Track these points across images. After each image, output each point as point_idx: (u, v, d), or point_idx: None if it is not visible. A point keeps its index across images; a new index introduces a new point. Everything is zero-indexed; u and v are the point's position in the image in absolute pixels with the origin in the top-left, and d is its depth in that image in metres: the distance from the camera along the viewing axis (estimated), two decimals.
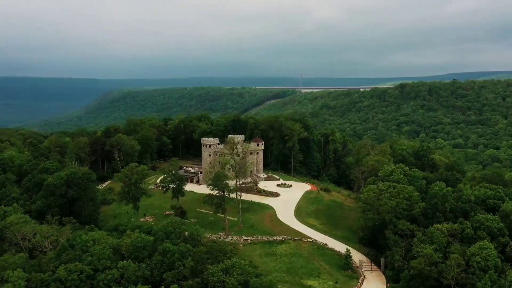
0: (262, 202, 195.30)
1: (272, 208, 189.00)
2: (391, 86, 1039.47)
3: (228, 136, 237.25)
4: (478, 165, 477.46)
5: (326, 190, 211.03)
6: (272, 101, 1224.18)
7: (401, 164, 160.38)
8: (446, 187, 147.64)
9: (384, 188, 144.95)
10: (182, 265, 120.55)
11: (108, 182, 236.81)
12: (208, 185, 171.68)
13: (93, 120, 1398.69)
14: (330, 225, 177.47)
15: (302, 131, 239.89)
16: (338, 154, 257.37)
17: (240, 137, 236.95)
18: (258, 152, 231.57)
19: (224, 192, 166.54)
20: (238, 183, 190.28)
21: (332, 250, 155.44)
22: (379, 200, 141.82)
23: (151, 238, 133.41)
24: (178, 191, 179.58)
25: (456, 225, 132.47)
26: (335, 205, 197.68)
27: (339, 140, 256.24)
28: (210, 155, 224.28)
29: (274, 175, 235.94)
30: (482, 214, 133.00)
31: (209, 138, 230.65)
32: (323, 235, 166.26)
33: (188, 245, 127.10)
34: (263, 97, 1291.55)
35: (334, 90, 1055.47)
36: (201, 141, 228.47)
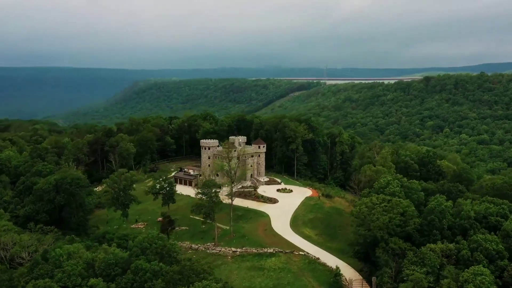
0: (258, 209, 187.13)
1: (267, 216, 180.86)
2: (419, 77, 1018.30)
3: (230, 137, 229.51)
4: (503, 163, 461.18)
5: (328, 196, 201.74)
6: (297, 93, 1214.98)
7: (398, 175, 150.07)
8: (448, 200, 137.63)
9: (378, 202, 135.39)
10: (152, 285, 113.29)
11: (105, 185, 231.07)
12: (197, 194, 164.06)
13: (119, 111, 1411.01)
14: (327, 236, 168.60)
15: (307, 132, 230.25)
16: (345, 156, 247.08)
17: (241, 139, 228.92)
18: (259, 155, 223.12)
19: (213, 201, 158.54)
20: (233, 189, 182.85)
21: (324, 265, 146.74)
22: (371, 214, 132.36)
23: (125, 254, 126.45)
24: (169, 199, 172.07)
25: (452, 245, 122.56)
26: (335, 212, 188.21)
27: (346, 142, 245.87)
28: (209, 158, 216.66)
29: (276, 179, 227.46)
30: (481, 234, 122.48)
31: (209, 140, 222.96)
32: (317, 248, 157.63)
33: (161, 264, 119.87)
34: (287, 89, 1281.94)
35: (358, 82, 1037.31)
36: (200, 143, 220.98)
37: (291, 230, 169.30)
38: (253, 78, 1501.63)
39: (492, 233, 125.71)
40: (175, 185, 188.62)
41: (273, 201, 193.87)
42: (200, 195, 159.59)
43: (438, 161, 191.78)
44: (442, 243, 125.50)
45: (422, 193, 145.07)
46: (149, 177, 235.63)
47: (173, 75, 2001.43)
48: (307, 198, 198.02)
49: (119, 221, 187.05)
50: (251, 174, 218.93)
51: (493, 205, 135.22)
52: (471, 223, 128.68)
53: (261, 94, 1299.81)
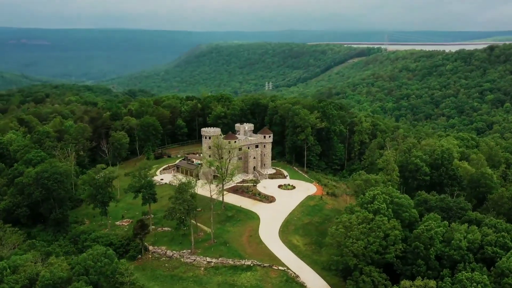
0: (251, 209, 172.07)
1: (258, 218, 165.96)
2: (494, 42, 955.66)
3: (236, 125, 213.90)
4: None
5: (333, 195, 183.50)
6: (355, 59, 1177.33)
7: (390, 188, 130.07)
8: (447, 219, 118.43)
9: (357, 222, 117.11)
10: None
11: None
12: (169, 198, 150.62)
13: (179, 74, 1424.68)
14: (317, 246, 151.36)
15: (318, 122, 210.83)
16: (364, 146, 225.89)
17: (247, 126, 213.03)
18: (265, 145, 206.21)
19: (188, 206, 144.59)
20: (230, 184, 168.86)
21: (302, 285, 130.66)
22: (347, 238, 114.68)
23: (69, 274, 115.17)
24: (149, 198, 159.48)
25: (433, 282, 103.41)
26: (335, 216, 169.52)
27: (366, 130, 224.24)
28: (209, 148, 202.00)
29: (284, 170, 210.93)
30: (469, 272, 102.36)
31: (209, 128, 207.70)
32: (301, 262, 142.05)
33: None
34: (346, 55, 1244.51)
35: (419, 49, 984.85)
36: (201, 131, 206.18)
37: (278, 237, 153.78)
38: (313, 43, 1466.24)
39: (485, 268, 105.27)
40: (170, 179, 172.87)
41: (270, 199, 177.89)
42: (173, 199, 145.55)
43: (457, 161, 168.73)
44: (425, 276, 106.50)
45: (414, 210, 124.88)
46: (152, 164, 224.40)
47: (237, 37, 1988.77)
48: (308, 198, 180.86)
49: (105, 217, 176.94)
50: (254, 167, 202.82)
51: (492, 231, 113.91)
52: (462, 254, 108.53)
53: (319, 60, 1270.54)
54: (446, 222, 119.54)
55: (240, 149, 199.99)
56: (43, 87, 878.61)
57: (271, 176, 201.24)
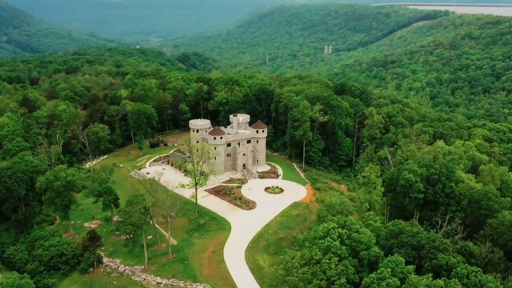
0: (226, 217, 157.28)
1: (230, 229, 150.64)
2: None
3: (230, 116, 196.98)
4: None
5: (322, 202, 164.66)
6: (420, 23, 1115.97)
7: (350, 218, 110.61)
8: (419, 259, 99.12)
9: (299, 264, 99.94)
10: None
11: (95, 162, 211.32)
12: (118, 211, 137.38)
13: (240, 35, 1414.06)
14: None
15: (320, 115, 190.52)
16: (374, 142, 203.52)
17: (242, 118, 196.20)
18: (258, 141, 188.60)
19: (139, 222, 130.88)
20: (197, 192, 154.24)
21: None
22: (284, 283, 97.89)
23: None
24: (111, 203, 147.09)
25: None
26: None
27: (377, 124, 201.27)
28: (197, 142, 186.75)
29: (279, 168, 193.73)
30: None
31: (198, 120, 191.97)
32: None
33: None
34: (411, 18, 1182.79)
35: (488, 14, 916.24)
36: (189, 124, 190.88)
37: (244, 256, 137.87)
38: (377, 4, 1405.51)
39: None
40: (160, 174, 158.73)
41: (250, 205, 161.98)
42: (122, 213, 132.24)
43: (461, 173, 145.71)
44: None
45: (375, 248, 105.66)
46: (144, 154, 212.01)
47: None
48: (293, 205, 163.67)
49: (80, 213, 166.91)
50: (244, 164, 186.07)
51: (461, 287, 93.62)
52: None
53: (382, 23, 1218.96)
54: (411, 267, 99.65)
55: (229, 144, 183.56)
56: (97, 49, 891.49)
57: (262, 175, 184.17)
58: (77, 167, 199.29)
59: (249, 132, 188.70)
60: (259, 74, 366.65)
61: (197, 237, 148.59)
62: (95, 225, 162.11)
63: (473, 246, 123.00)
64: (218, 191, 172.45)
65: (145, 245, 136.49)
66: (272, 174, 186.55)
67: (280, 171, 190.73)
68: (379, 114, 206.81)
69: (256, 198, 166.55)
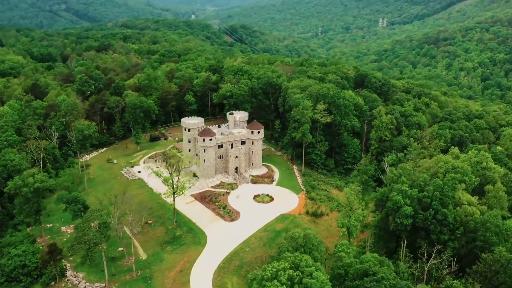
0: (204, 229, 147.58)
1: (205, 244, 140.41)
2: None
3: (228, 113, 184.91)
4: None
5: (315, 215, 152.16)
6: None
7: (305, 258, 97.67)
8: None
9: None
10: None
11: (93, 155, 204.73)
12: (76, 227, 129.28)
13: (295, 6, 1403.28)
14: None
15: (323, 115, 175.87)
16: (383, 146, 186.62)
17: (239, 116, 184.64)
18: (253, 142, 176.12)
19: (97, 237, 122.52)
20: (175, 201, 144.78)
21: None
22: None
23: None
24: (79, 212, 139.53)
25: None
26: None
27: (387, 125, 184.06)
28: (189, 142, 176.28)
29: (275, 171, 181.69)
30: None
31: (190, 118, 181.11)
32: None
33: None
34: None
35: None
36: (181, 122, 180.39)
37: (212, 278, 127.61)
38: None
39: None
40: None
41: (233, 216, 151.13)
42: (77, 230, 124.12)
43: (460, 195, 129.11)
44: None
45: None
46: (142, 148, 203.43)
47: None
48: (281, 217, 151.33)
49: (61, 214, 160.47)
50: (237, 167, 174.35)
51: None
52: None
53: None
54: None
55: (221, 146, 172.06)
56: (144, 21, 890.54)
57: (255, 180, 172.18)
58: (69, 163, 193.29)
59: (245, 132, 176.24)
60: (282, 57, 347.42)
61: (169, 251, 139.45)
62: (72, 230, 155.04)
63: (459, 287, 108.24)
64: (204, 197, 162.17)
65: (105, 264, 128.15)
66: (267, 178, 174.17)
67: (276, 175, 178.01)
68: (392, 114, 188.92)
69: (242, 208, 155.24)
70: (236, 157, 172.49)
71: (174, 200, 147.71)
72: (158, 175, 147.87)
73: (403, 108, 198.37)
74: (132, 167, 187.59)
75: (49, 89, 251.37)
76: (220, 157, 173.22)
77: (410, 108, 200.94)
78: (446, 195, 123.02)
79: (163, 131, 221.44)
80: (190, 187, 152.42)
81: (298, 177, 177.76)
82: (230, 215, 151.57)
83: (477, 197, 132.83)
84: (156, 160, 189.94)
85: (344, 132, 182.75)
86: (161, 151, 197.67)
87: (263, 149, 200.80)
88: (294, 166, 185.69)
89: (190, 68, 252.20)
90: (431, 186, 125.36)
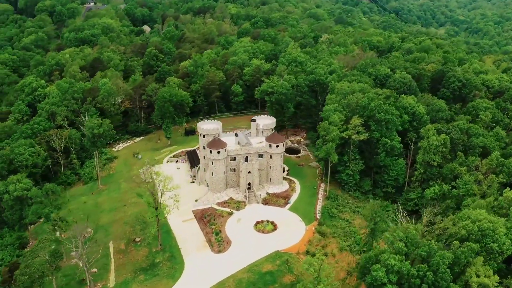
0: (186, 258, 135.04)
1: (176, 279, 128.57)
2: None
3: (252, 119, 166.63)
4: None
5: (313, 256, 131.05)
6: None
7: None
8: None
9: None
10: None
11: (127, 144, 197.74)
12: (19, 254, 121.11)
13: None
14: None
15: (357, 131, 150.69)
16: (430, 171, 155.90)
17: (264, 124, 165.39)
18: (271, 156, 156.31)
19: (44, 269, 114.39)
20: (158, 223, 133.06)
21: None
22: None
23: None
24: (55, 226, 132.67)
25: None
26: None
27: (437, 148, 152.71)
28: (204, 148, 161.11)
29: (298, 188, 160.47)
30: None
31: (206, 123, 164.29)
32: None
33: None
34: None
35: None
36: (197, 127, 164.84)
37: None
38: None
39: None
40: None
41: (222, 247, 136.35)
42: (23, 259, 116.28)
43: (479, 270, 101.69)
44: None
45: None
46: (173, 143, 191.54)
47: None
48: (274, 255, 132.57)
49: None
50: (250, 184, 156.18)
51: None
52: None
53: None
54: None
55: (234, 158, 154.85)
56: None
57: (267, 200, 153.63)
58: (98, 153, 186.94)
59: (259, 145, 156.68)
60: (378, 33, 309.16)
61: (139, 282, 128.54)
62: (64, 236, 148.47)
63: None
64: (203, 216, 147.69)
65: None
66: (282, 199, 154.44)
67: (295, 195, 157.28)
68: (448, 133, 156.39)
69: (237, 236, 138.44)
70: (249, 172, 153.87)
71: (158, 224, 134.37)
72: (139, 195, 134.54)
73: (468, 125, 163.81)
74: (153, 165, 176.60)
75: (111, 64, 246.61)
76: (233, 170, 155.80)
77: (478, 126, 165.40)
78: (442, 278, 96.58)
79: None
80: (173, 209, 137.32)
81: (320, 200, 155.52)
82: (219, 244, 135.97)
83: (498, 278, 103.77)
84: (177, 161, 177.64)
85: (383, 152, 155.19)
86: (188, 149, 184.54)
87: (299, 156, 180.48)
88: (322, 184, 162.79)
89: (248, 52, 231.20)
90: (433, 258, 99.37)
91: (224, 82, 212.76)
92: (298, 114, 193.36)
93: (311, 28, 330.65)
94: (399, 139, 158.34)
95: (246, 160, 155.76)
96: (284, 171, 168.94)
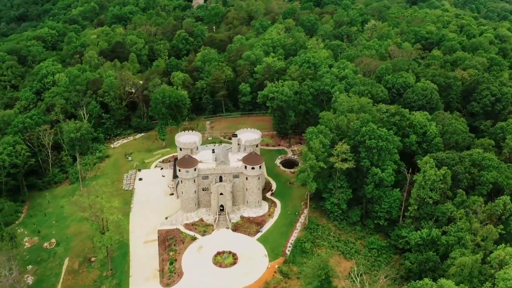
0: None
1: None
2: None
3: (233, 135, 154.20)
4: None
5: None
6: None
7: None
8: None
9: None
10: None
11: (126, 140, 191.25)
12: None
13: None
14: None
15: (348, 157, 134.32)
16: (423, 210, 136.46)
17: (246, 139, 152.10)
18: (247, 178, 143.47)
19: None
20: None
21: None
22: None
23: None
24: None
25: None
26: None
27: (435, 184, 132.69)
28: None
29: (277, 213, 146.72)
30: None
31: (183, 135, 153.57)
32: None
33: None
34: None
35: None
36: (175, 139, 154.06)
37: None
38: None
39: None
40: None
41: (171, 280, 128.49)
42: None
43: None
44: None
45: None
46: (169, 145, 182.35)
47: None
48: None
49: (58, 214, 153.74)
50: (222, 206, 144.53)
51: None
52: None
53: None
54: None
55: (206, 177, 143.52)
56: None
57: (238, 226, 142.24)
58: (93, 149, 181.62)
59: (235, 164, 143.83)
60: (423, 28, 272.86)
61: None
62: (50, 247, 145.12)
63: None
64: (165, 239, 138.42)
65: None
66: (255, 225, 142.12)
67: (271, 221, 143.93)
68: (451, 165, 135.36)
69: (191, 268, 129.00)
70: (221, 194, 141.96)
71: (106, 249, 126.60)
72: (87, 220, 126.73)
73: (482, 155, 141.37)
74: (140, 170, 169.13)
75: (133, 49, 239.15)
76: (206, 189, 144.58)
77: (493, 156, 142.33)
78: None
79: (208, 122, 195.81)
80: None
81: (296, 230, 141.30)
82: (170, 276, 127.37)
83: None
84: (162, 168, 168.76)
85: (371, 183, 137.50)
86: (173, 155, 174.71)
87: (294, 172, 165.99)
88: (305, 211, 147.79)
89: (267, 46, 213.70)
90: None
91: (234, 79, 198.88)
92: (306, 121, 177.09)
93: (362, 10, 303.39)
94: (395, 167, 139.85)
95: (221, 180, 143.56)
96: (270, 190, 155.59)
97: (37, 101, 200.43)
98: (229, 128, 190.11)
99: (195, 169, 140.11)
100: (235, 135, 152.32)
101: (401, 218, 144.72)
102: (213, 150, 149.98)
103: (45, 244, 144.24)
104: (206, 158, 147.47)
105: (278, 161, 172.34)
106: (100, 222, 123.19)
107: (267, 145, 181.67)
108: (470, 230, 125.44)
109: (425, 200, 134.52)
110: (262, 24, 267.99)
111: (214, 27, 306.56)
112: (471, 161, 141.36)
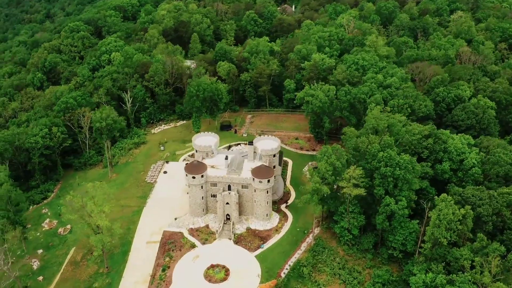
0: None
1: None
2: None
3: (248, 143, 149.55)
4: None
5: None
6: None
7: None
8: None
9: None
10: None
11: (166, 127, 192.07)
12: None
13: None
14: None
15: (361, 183, 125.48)
16: (436, 252, 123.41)
17: (263, 148, 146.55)
18: (255, 190, 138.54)
19: None
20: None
21: None
22: None
23: None
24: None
25: None
26: None
27: (452, 225, 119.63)
28: None
29: (286, 228, 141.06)
30: None
31: (201, 137, 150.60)
32: None
33: None
34: None
35: None
36: (192, 141, 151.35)
37: None
38: None
39: None
40: None
41: None
42: None
43: None
44: None
45: None
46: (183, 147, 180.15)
47: None
48: None
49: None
50: (228, 215, 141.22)
51: None
52: None
53: None
54: None
55: (215, 184, 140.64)
56: None
57: (241, 238, 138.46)
58: (133, 133, 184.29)
59: (249, 176, 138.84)
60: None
61: None
62: (52, 226, 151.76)
63: None
64: (166, 242, 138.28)
65: None
66: (258, 240, 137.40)
67: (276, 237, 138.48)
68: (477, 206, 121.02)
69: (180, 279, 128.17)
70: (227, 203, 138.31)
71: (103, 248, 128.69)
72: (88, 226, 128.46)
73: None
74: (167, 162, 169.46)
75: (197, 29, 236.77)
76: (214, 196, 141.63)
77: None
78: None
79: (249, 115, 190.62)
80: None
81: (300, 251, 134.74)
82: (159, 284, 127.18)
83: None
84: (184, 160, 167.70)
85: (382, 213, 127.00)
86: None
87: None
88: (317, 229, 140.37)
89: (323, 39, 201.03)
90: None
91: (280, 73, 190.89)
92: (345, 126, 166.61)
93: None
94: (414, 198, 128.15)
95: (229, 188, 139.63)
96: (285, 202, 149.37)
97: (92, 79, 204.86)
98: (269, 125, 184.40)
99: (202, 176, 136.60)
100: (251, 143, 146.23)
101: (417, 252, 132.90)
102: (226, 156, 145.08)
103: (60, 230, 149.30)
104: (220, 163, 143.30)
105: (306, 168, 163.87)
106: (92, 224, 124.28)
107: (301, 148, 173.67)
108: (478, 284, 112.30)
109: (439, 240, 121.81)
110: (335, 9, 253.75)
111: (293, 6, 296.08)
112: (507, 201, 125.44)
